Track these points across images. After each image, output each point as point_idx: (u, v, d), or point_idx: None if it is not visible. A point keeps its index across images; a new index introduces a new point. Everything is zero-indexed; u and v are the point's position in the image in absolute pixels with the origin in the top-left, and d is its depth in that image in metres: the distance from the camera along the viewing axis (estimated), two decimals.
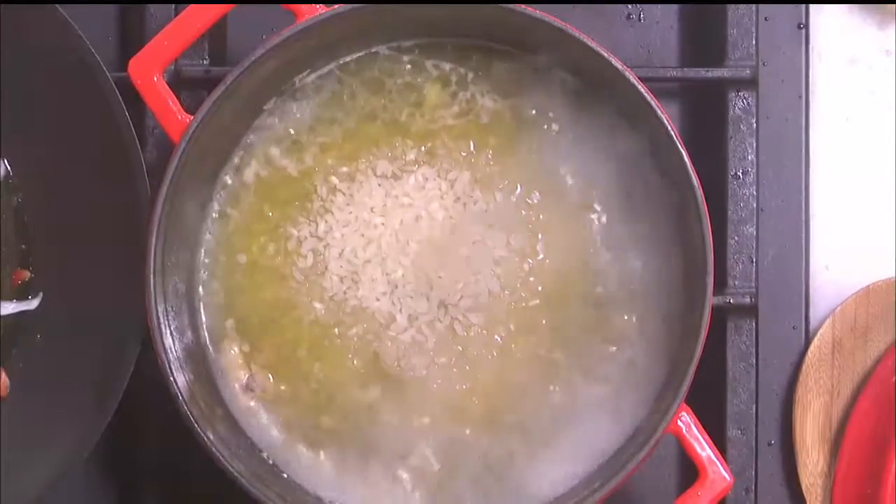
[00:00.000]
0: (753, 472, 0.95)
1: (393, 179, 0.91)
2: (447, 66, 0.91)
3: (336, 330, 0.90)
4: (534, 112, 0.91)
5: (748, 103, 0.96)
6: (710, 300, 0.85)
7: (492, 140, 0.91)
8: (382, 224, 0.90)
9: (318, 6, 0.87)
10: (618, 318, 0.90)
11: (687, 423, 0.87)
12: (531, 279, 0.90)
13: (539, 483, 0.89)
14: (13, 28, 0.92)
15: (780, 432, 0.96)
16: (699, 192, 0.86)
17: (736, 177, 0.96)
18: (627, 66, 0.87)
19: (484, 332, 0.90)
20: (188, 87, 0.95)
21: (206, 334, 0.91)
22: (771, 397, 0.96)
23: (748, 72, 0.96)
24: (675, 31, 1.00)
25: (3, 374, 0.95)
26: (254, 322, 0.91)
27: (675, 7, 1.00)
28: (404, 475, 0.90)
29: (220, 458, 0.85)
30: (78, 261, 0.94)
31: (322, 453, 0.90)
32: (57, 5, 0.91)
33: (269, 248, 0.91)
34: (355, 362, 0.90)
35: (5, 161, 0.96)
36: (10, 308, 0.95)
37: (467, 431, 0.90)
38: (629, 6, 1.00)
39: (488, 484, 0.89)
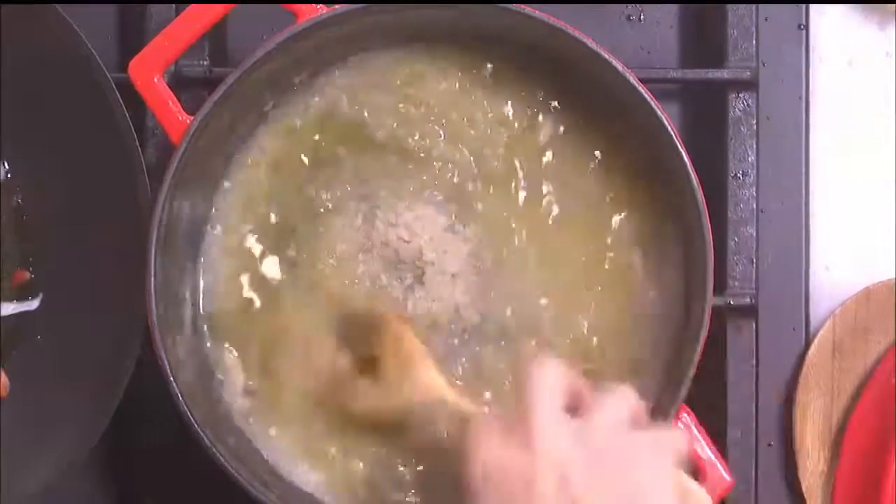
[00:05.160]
0: (753, 474, 0.95)
1: (393, 181, 0.91)
2: (447, 67, 0.91)
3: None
4: (533, 112, 0.91)
5: (748, 104, 0.96)
6: (710, 301, 0.85)
7: (492, 140, 0.91)
8: (383, 225, 0.90)
9: (318, 6, 0.87)
10: (617, 318, 0.90)
11: (687, 424, 0.87)
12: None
13: None
14: (13, 28, 0.92)
15: (779, 433, 0.96)
16: (699, 193, 0.86)
17: (736, 178, 0.96)
18: (627, 67, 0.87)
19: (485, 335, 0.90)
20: (188, 87, 0.95)
21: (207, 334, 0.91)
22: (771, 398, 0.96)
23: (748, 73, 0.96)
24: (675, 32, 1.00)
25: (3, 375, 0.95)
26: (254, 322, 0.91)
27: (675, 7, 1.00)
28: (404, 475, 0.90)
29: (220, 458, 0.85)
30: (78, 261, 0.94)
31: (322, 455, 0.90)
32: (57, 5, 0.91)
33: (269, 248, 0.91)
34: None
35: (5, 161, 0.96)
36: (10, 308, 0.95)
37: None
38: (629, 6, 1.00)
39: None
